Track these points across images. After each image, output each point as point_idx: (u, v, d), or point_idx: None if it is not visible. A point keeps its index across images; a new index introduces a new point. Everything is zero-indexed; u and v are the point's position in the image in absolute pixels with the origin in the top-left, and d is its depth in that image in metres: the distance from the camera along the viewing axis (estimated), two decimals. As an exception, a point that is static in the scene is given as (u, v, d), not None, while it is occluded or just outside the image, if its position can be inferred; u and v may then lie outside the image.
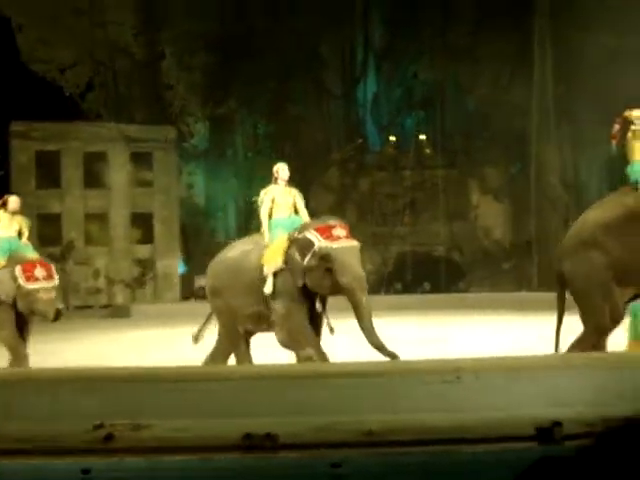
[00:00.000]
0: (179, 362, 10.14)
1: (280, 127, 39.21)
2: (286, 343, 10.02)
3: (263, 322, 10.25)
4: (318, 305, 9.92)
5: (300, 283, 9.67)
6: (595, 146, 34.58)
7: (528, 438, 6.42)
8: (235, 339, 10.62)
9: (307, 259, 9.59)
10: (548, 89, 34.66)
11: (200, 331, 11.11)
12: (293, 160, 38.69)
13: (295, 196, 10.58)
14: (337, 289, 9.67)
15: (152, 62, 38.61)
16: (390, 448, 6.54)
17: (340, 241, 9.65)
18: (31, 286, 11.33)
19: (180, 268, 38.25)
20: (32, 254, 11.97)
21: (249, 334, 10.70)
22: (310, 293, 9.83)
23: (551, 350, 10.18)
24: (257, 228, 10.79)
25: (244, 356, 10.60)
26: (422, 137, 40.56)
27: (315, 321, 10.05)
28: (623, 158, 10.13)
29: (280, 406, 7.20)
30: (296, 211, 10.44)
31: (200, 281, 36.83)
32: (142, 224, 37.59)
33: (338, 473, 5.72)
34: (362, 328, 9.53)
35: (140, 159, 37.62)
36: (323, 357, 9.78)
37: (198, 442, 6.64)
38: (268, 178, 10.66)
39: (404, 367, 8.76)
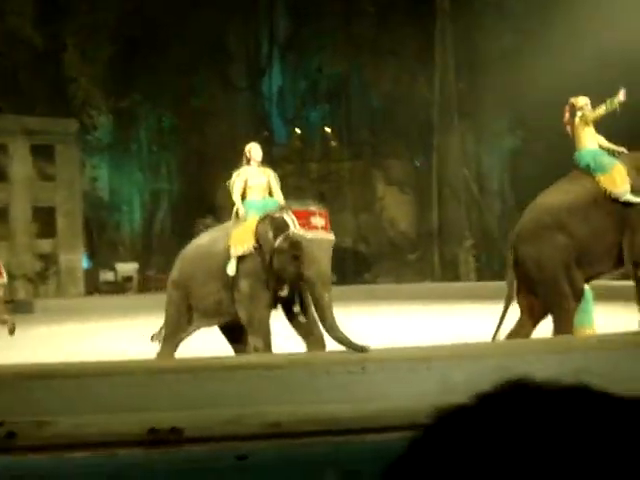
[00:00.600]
0: (83, 357, 10.02)
1: (185, 120, 38.91)
2: (245, 323, 9.82)
3: (223, 312, 9.98)
4: (285, 291, 9.66)
5: (267, 260, 9.47)
6: (496, 138, 35.24)
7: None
8: (179, 332, 10.35)
9: (278, 241, 9.39)
10: (450, 83, 35.14)
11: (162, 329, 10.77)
12: (198, 153, 38.63)
13: (269, 176, 10.39)
14: (300, 279, 9.43)
15: (54, 54, 37.85)
16: (296, 439, 6.58)
17: (315, 232, 9.38)
18: None
19: (84, 263, 37.69)
20: None
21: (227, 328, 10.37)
22: (278, 281, 9.63)
23: (458, 339, 10.33)
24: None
25: (170, 353, 10.34)
26: (327, 130, 40.75)
27: (285, 306, 9.87)
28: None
29: (185, 400, 7.18)
30: (270, 193, 10.22)
31: (105, 275, 36.41)
32: (44, 218, 36.86)
33: (244, 465, 5.73)
34: (323, 325, 9.32)
35: (42, 152, 36.89)
36: (267, 350, 9.58)
37: (103, 438, 6.58)
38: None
39: (310, 359, 8.81)
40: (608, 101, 10.09)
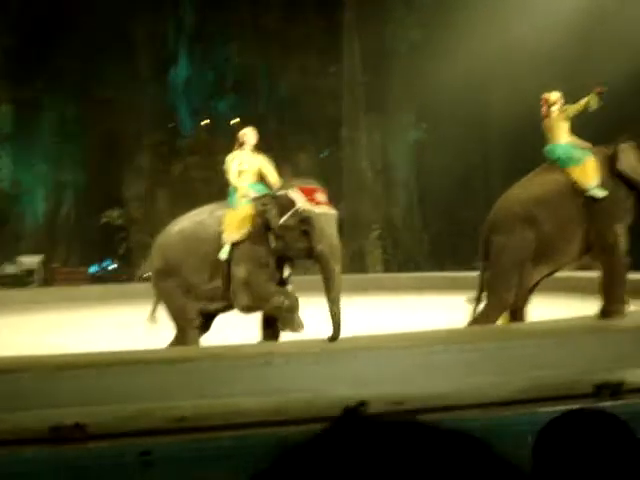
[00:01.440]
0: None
1: (89, 110, 38.28)
2: (250, 306, 9.68)
3: (221, 299, 9.80)
4: (286, 272, 9.68)
5: (273, 243, 9.39)
6: (402, 130, 35.63)
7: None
8: (191, 321, 9.99)
9: (285, 218, 9.32)
10: (357, 76, 35.34)
11: (153, 312, 10.43)
12: (103, 144, 38.08)
13: (261, 161, 10.34)
14: (309, 255, 9.46)
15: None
16: (202, 433, 6.56)
17: (322, 207, 9.47)
18: None
19: (-15, 256, 36.85)
20: None
21: (205, 316, 10.10)
22: (279, 261, 9.57)
23: (364, 331, 10.39)
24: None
25: (194, 340, 10.03)
26: (235, 121, 40.58)
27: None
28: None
29: (88, 395, 7.09)
30: (261, 178, 10.16)
31: (6, 269, 35.65)
32: (-56, 210, 35.98)
33: (147, 460, 5.70)
34: (328, 298, 9.33)
35: (-59, 143, 35.98)
36: (293, 300, 9.57)
37: (5, 436, 6.47)
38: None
39: (215, 352, 8.79)
40: (588, 97, 10.37)
